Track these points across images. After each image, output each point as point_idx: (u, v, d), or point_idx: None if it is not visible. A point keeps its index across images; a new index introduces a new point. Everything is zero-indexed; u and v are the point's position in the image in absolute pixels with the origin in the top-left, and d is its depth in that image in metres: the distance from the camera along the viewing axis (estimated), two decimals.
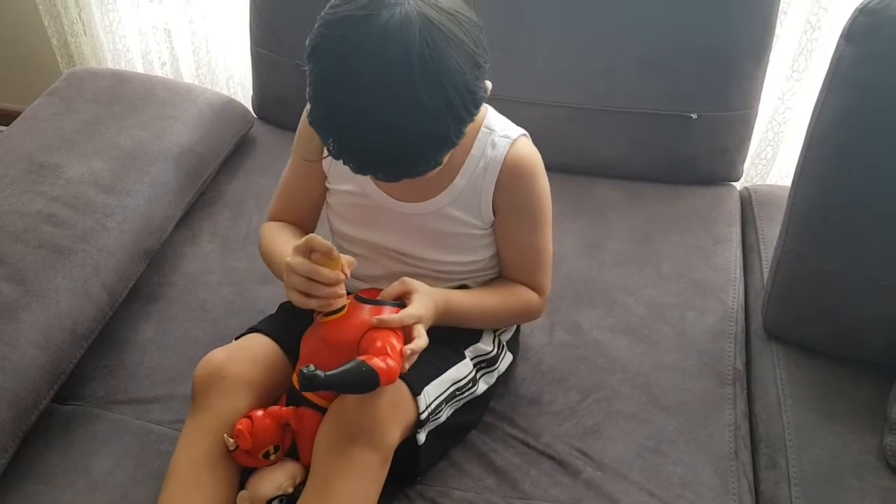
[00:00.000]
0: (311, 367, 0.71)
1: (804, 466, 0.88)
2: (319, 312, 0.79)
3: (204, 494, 0.79)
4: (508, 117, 1.23)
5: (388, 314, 0.77)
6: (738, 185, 1.32)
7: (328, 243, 0.74)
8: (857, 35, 0.85)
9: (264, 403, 0.83)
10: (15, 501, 0.82)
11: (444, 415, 0.84)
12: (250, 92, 1.42)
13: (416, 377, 0.80)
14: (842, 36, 0.87)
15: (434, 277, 0.87)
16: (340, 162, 0.70)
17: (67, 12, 1.63)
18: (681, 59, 1.18)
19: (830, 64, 0.89)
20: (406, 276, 0.84)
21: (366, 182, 0.84)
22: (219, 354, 0.83)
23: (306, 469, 0.80)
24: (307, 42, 0.68)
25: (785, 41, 1.32)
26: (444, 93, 0.65)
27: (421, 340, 0.76)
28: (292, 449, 0.83)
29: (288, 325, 0.86)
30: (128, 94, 1.22)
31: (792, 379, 0.98)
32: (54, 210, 1.01)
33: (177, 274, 1.10)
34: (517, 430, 0.91)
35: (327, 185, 0.89)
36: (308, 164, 0.87)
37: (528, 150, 0.84)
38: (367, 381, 0.72)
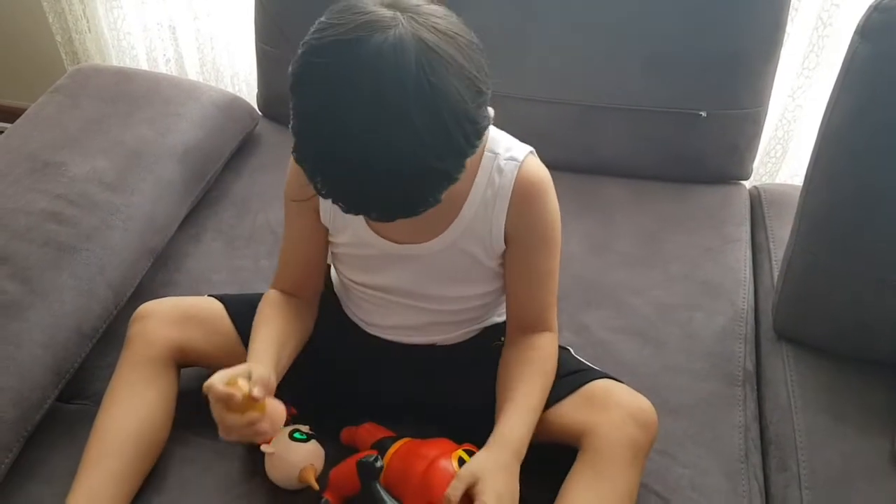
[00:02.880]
0: (380, 462, 0.73)
1: (815, 469, 0.87)
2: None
3: (156, 393, 0.83)
4: (514, 116, 1.22)
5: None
6: (747, 184, 1.30)
7: (224, 391, 0.69)
8: (871, 32, 0.83)
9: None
10: (19, 501, 0.82)
11: None
12: (255, 89, 1.42)
13: None
14: (856, 32, 0.85)
15: (450, 311, 0.85)
16: (336, 210, 0.66)
17: (72, 9, 1.63)
18: (689, 56, 1.17)
19: (844, 61, 0.87)
20: (422, 321, 0.84)
21: (365, 232, 0.79)
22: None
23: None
24: (290, 70, 0.63)
25: (796, 38, 1.30)
26: (444, 124, 0.60)
27: None
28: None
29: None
30: (132, 92, 1.22)
31: (802, 380, 0.96)
32: (59, 208, 1.00)
33: (181, 273, 1.09)
34: None
35: (330, 238, 0.84)
36: (305, 225, 0.83)
37: (538, 171, 0.79)
38: None
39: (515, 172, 0.77)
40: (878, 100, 0.85)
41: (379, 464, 0.73)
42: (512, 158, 0.77)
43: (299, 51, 0.63)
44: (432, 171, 0.62)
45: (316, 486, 0.80)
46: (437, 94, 0.60)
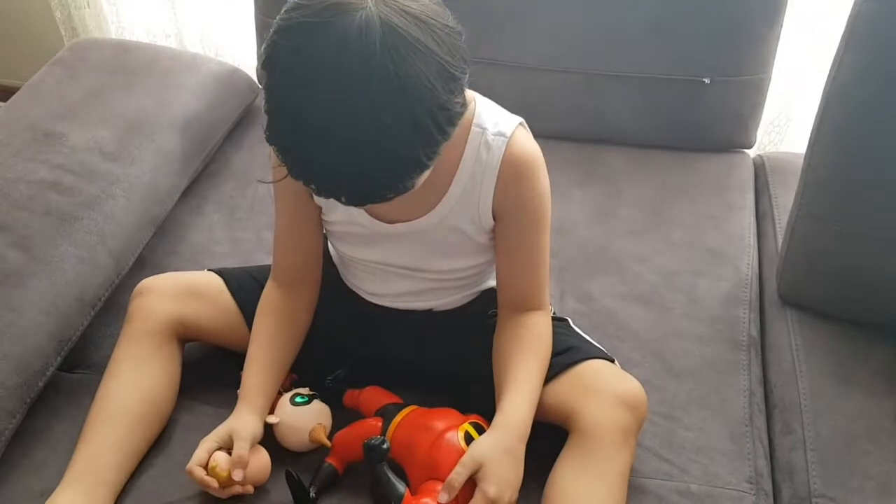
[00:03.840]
0: (386, 445, 0.73)
1: (820, 431, 0.87)
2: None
3: (159, 365, 0.83)
4: (516, 84, 1.23)
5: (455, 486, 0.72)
6: (751, 153, 1.30)
7: (204, 480, 0.74)
8: None
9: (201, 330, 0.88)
10: (23, 467, 0.82)
11: None
12: (254, 63, 1.41)
13: None
14: None
15: (445, 279, 0.85)
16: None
17: None
18: (692, 23, 1.16)
19: (848, 20, 0.87)
20: (419, 288, 0.84)
21: (355, 210, 0.78)
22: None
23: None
24: (262, 48, 0.62)
25: (800, 3, 1.28)
26: (411, 112, 0.59)
27: None
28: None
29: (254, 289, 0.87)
30: (132, 64, 1.21)
31: (807, 344, 0.96)
32: (59, 178, 1.00)
33: (183, 244, 1.09)
34: None
35: (322, 216, 0.83)
36: (296, 205, 0.82)
37: (527, 145, 0.76)
38: (388, 501, 0.73)
39: (503, 149, 0.75)
40: (883, 58, 0.84)
41: (385, 446, 0.73)
42: (500, 133, 0.75)
43: (270, 29, 0.61)
44: (399, 159, 0.61)
45: (328, 444, 0.80)
46: (402, 80, 0.58)
